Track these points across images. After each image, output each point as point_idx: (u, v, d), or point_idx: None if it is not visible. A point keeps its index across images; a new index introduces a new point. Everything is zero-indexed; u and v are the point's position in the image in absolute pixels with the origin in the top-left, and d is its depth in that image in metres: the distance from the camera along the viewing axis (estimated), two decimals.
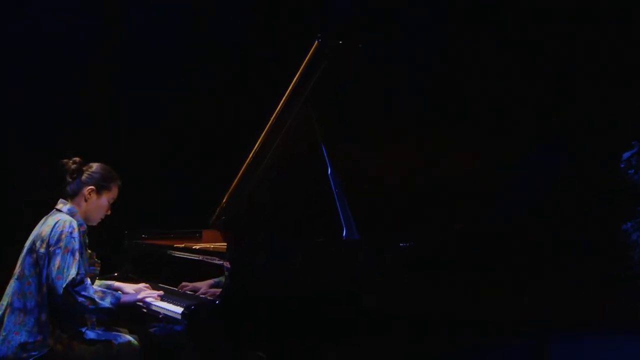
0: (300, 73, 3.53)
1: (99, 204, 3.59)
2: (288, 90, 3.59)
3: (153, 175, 5.24)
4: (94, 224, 3.65)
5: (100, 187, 3.58)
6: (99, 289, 3.46)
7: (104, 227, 3.73)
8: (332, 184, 3.59)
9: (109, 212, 3.65)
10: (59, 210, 3.53)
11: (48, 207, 3.61)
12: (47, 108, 5.01)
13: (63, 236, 3.36)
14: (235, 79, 5.52)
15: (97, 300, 3.33)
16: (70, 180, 3.56)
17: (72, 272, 3.30)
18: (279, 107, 3.65)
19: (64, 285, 3.27)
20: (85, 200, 3.56)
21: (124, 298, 3.51)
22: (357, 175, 3.74)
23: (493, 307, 3.77)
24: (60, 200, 3.57)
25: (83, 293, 3.30)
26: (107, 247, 3.97)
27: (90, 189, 3.56)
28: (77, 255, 3.35)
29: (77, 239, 3.39)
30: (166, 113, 5.36)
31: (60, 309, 3.37)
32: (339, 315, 3.39)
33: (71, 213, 3.52)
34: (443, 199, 3.90)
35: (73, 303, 3.32)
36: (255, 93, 5.29)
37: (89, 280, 3.40)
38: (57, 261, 3.31)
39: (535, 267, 3.94)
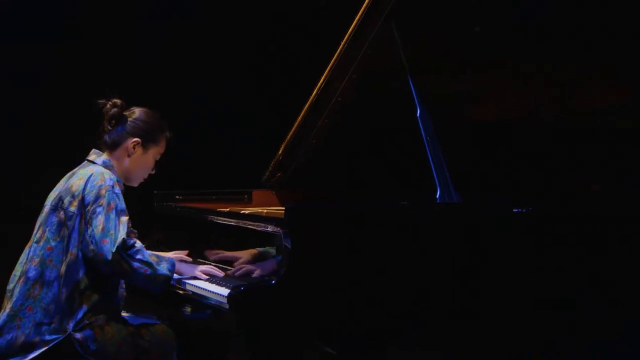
0: None
1: (144, 161, 3.28)
2: (364, 5, 3.20)
3: (188, 121, 4.82)
4: (135, 184, 3.35)
5: (148, 139, 3.26)
6: (152, 252, 3.16)
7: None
8: (421, 129, 3.27)
9: (154, 172, 3.36)
10: (92, 162, 3.22)
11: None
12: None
13: (103, 191, 3.05)
14: None
15: (154, 265, 3.05)
16: (109, 127, 3.24)
17: (121, 234, 3.02)
18: (352, 27, 3.26)
19: (113, 250, 2.99)
20: (129, 155, 3.24)
21: (180, 265, 3.26)
22: (456, 117, 3.46)
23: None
24: (94, 150, 3.26)
25: (138, 257, 3.03)
26: (131, 211, 3.62)
27: (136, 141, 3.24)
28: (123, 215, 3.08)
29: (120, 196, 3.11)
30: (205, 38, 4.91)
31: (89, 285, 3.04)
32: (432, 304, 3.06)
33: (106, 166, 3.20)
34: (575, 150, 3.50)
35: (126, 270, 3.02)
36: (321, 11, 4.88)
37: (140, 243, 3.12)
38: (101, 221, 3.01)
39: None
